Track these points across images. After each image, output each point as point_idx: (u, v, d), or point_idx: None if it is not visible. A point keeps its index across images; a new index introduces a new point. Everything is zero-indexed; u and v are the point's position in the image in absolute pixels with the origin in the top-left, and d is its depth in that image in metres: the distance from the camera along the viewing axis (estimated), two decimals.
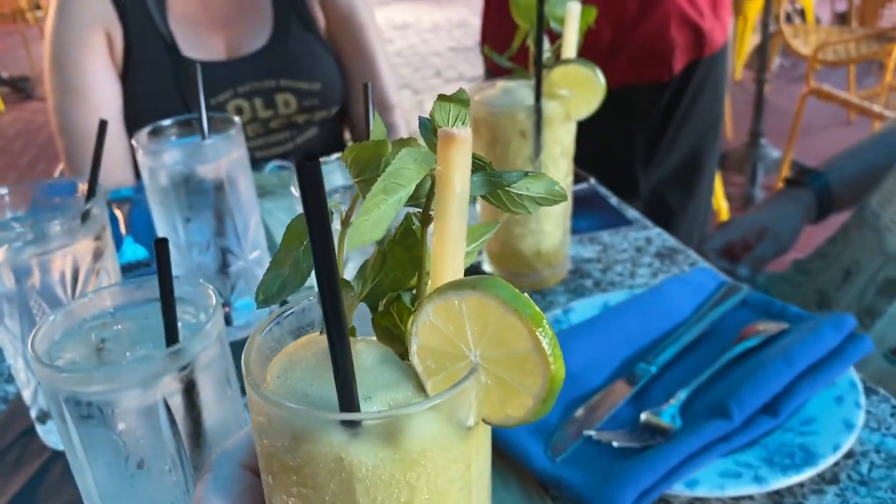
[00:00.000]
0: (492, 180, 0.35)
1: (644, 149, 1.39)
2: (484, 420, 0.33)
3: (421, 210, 0.34)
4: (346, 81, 1.38)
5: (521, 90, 0.80)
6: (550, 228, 0.83)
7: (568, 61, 0.78)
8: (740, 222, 1.20)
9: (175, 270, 0.51)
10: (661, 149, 1.40)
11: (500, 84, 0.82)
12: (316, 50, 1.36)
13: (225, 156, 0.75)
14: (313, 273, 0.32)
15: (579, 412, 0.64)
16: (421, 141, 0.34)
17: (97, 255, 0.65)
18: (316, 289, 0.31)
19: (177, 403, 0.45)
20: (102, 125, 0.64)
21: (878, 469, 0.59)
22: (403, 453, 0.31)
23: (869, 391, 0.67)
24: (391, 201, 0.32)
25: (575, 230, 0.95)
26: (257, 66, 1.31)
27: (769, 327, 0.71)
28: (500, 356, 0.31)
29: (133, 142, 0.76)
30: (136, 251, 0.96)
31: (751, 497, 0.58)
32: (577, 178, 1.06)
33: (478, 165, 0.34)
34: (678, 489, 0.57)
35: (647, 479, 0.56)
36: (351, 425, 0.30)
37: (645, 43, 1.32)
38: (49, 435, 0.68)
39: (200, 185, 0.75)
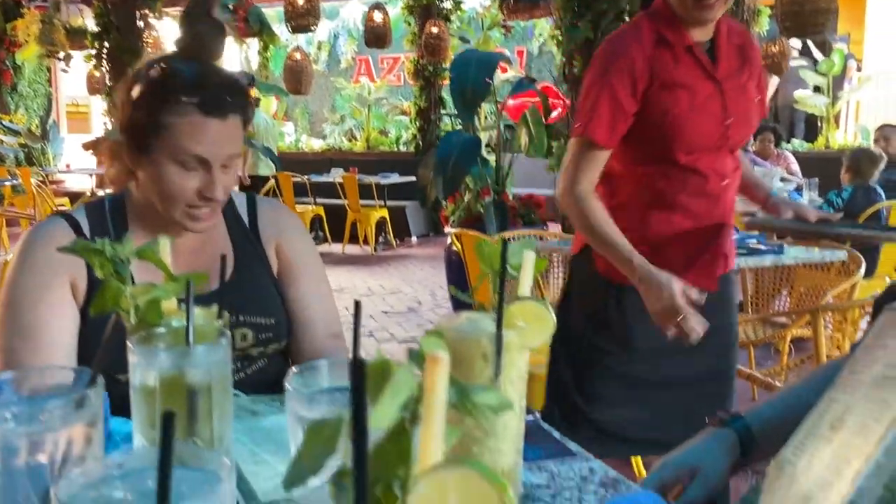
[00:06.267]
0: (461, 392, 0.48)
1: None
2: None
3: (409, 413, 0.44)
4: (290, 321, 1.47)
5: (484, 321, 0.91)
6: (507, 448, 0.90)
7: (524, 299, 0.90)
8: (671, 462, 1.26)
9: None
10: None
11: (466, 315, 0.93)
12: (271, 289, 1.47)
13: (213, 362, 0.81)
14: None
15: None
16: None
17: (87, 440, 0.67)
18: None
19: None
20: (116, 317, 0.71)
21: None
22: None
23: None
24: (397, 399, 0.43)
25: (524, 459, 1.00)
26: (217, 304, 1.39)
27: None
28: None
29: (128, 342, 0.81)
30: None
31: None
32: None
33: (451, 381, 0.45)
34: None
35: None
36: None
37: None
38: None
39: (187, 388, 0.80)
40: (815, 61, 8.69)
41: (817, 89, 8.79)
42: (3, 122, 10.82)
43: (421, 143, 9.73)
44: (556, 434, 1.13)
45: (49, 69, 11.69)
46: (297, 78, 8.45)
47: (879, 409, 1.07)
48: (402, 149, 10.79)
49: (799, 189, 6.37)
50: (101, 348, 0.72)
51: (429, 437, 0.44)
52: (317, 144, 11.94)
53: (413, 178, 7.89)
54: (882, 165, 4.79)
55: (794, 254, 3.26)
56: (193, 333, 0.85)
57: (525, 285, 0.92)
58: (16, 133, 10.80)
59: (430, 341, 0.48)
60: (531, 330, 0.90)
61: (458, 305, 4.78)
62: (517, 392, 0.90)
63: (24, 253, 1.32)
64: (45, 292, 1.28)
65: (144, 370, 0.80)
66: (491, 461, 0.89)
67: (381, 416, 0.42)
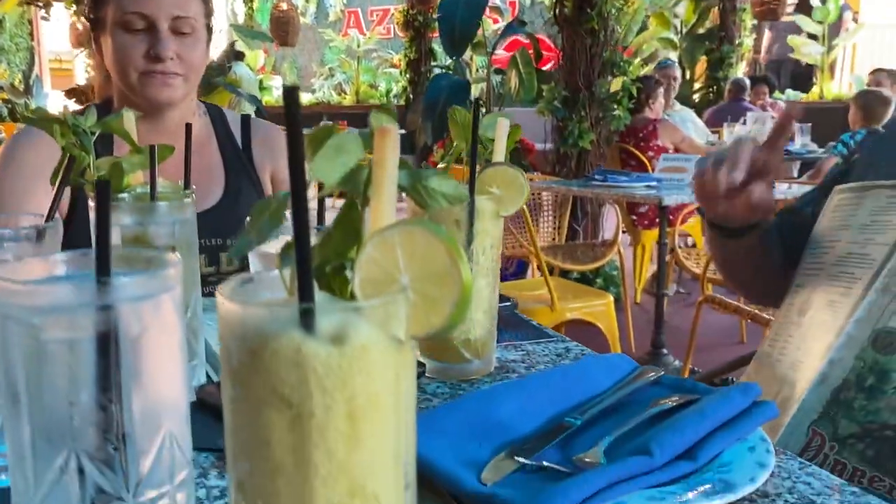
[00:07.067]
0: (412, 175, 0.46)
1: None
2: (413, 336, 0.40)
3: (360, 193, 0.42)
4: None
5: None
6: (480, 317, 0.88)
7: (498, 164, 0.88)
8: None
9: None
10: None
11: None
12: None
13: (177, 220, 0.79)
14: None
15: (510, 450, 0.66)
16: None
17: None
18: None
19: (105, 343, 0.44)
20: (69, 160, 0.69)
21: None
22: (348, 348, 0.37)
23: (778, 452, 0.71)
24: (341, 157, 0.41)
25: (499, 340, 0.99)
26: (205, 225, 1.36)
27: (682, 398, 0.76)
28: (423, 274, 0.39)
29: (90, 202, 0.79)
30: None
31: None
32: (501, 298, 1.13)
33: (402, 165, 0.43)
34: None
35: (576, 494, 0.57)
36: (307, 321, 0.37)
37: None
38: None
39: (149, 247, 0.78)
40: (811, 8, 8.58)
41: (812, 37, 8.70)
42: None
43: (411, 95, 9.61)
44: (534, 322, 1.11)
45: (31, 22, 11.46)
46: (283, 29, 8.33)
47: (847, 284, 1.06)
48: (393, 102, 10.67)
49: (791, 136, 6.35)
50: (56, 193, 0.70)
51: (379, 213, 0.42)
52: (305, 98, 11.80)
53: (403, 132, 7.80)
54: (893, 108, 4.72)
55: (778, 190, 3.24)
56: (156, 192, 0.83)
57: (499, 151, 0.90)
58: None
59: (379, 117, 0.46)
60: (505, 196, 0.88)
61: None
62: (491, 261, 0.89)
63: (7, 158, 1.30)
64: (31, 198, 1.26)
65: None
66: (464, 330, 0.88)
67: (323, 169, 0.40)
